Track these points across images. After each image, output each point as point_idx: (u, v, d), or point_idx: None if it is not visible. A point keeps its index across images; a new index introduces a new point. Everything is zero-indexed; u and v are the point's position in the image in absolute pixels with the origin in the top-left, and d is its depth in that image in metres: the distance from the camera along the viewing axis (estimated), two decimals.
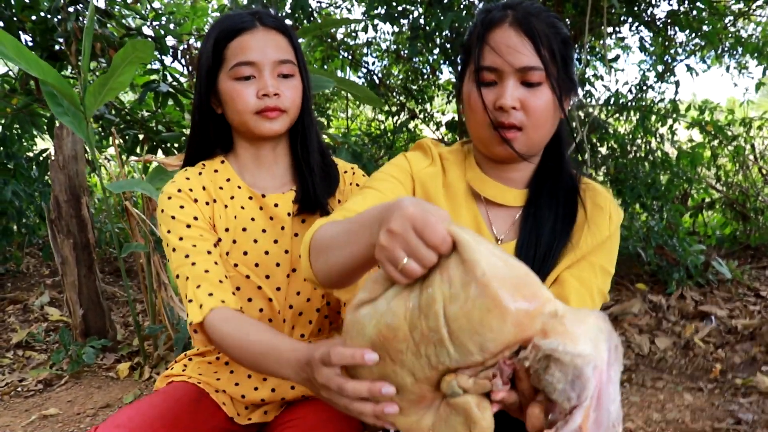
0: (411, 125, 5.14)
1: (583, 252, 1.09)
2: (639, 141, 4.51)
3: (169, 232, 1.17)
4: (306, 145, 1.28)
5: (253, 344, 1.00)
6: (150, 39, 4.10)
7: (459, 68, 1.17)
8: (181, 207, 1.18)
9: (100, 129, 4.52)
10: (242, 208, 1.23)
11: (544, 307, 0.71)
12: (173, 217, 1.17)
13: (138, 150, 4.31)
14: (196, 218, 1.18)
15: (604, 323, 0.74)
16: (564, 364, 0.69)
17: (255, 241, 1.22)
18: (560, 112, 1.08)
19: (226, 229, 1.21)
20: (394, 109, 5.10)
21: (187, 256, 1.14)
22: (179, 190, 1.19)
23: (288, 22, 1.29)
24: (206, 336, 1.09)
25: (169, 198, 1.18)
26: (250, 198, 1.24)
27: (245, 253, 1.21)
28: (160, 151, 4.33)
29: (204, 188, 1.22)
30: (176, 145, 4.23)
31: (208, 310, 1.07)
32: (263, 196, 1.24)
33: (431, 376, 0.75)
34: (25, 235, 4.77)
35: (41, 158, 4.57)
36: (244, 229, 1.22)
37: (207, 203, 1.21)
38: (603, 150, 4.60)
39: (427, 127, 5.22)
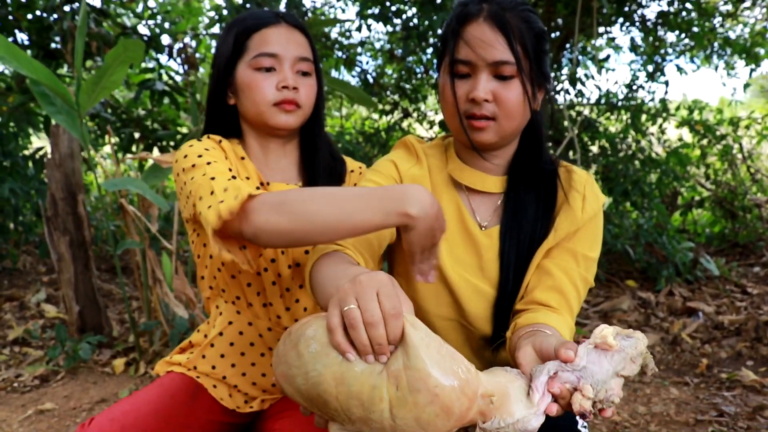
0: (404, 124, 5.19)
1: (560, 235, 1.11)
2: (629, 140, 4.56)
3: (186, 157, 1.13)
4: (315, 143, 1.30)
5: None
6: (145, 37, 4.13)
7: (436, 60, 1.20)
8: (206, 149, 1.15)
9: (96, 127, 4.56)
10: None
11: (478, 398, 0.78)
12: (190, 152, 1.13)
13: (133, 148, 4.35)
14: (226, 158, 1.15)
15: (516, 371, 0.85)
16: None
17: None
18: (532, 104, 1.10)
19: None
20: (387, 107, 5.14)
21: (204, 174, 1.07)
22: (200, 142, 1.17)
23: None
24: (242, 225, 0.95)
25: (191, 146, 1.16)
26: (258, 187, 1.23)
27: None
28: (155, 149, 4.36)
29: (226, 158, 1.20)
30: (171, 143, 4.26)
31: (246, 195, 0.95)
32: (267, 183, 1.25)
33: None
34: (22, 233, 4.80)
35: (37, 156, 4.60)
36: None
37: (230, 170, 1.14)
38: (594, 149, 4.66)
39: (420, 126, 5.26)
